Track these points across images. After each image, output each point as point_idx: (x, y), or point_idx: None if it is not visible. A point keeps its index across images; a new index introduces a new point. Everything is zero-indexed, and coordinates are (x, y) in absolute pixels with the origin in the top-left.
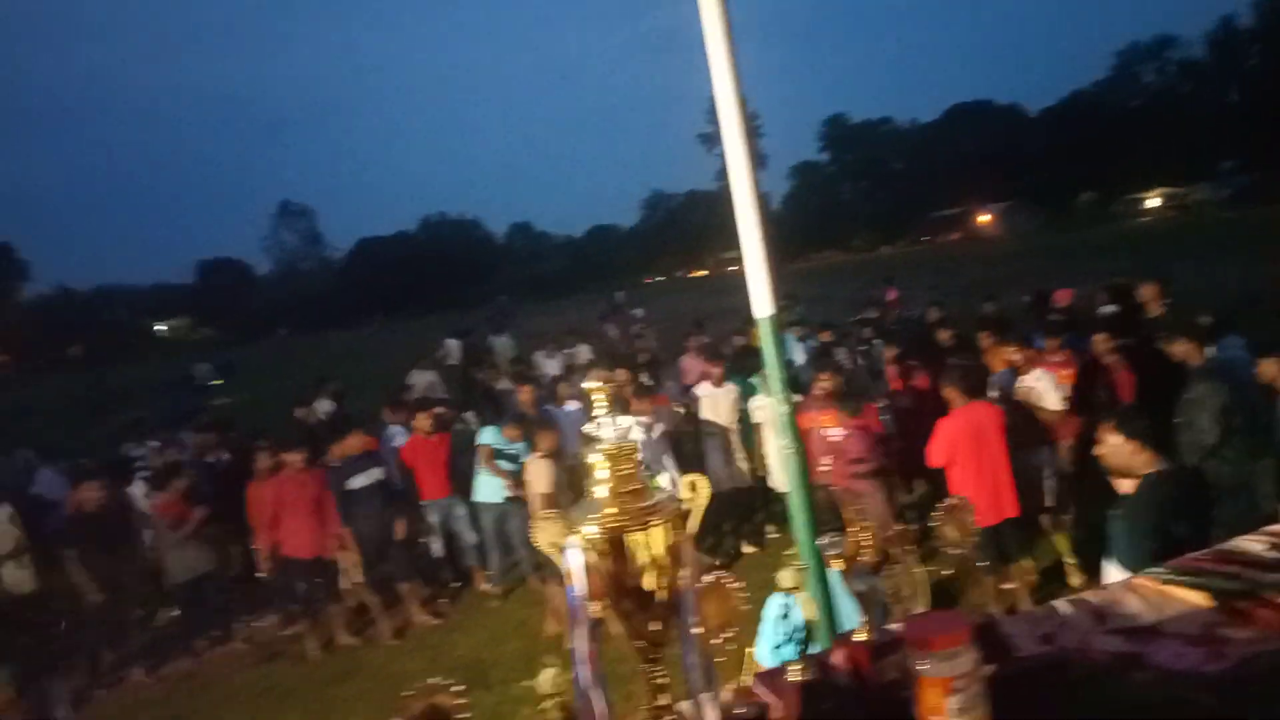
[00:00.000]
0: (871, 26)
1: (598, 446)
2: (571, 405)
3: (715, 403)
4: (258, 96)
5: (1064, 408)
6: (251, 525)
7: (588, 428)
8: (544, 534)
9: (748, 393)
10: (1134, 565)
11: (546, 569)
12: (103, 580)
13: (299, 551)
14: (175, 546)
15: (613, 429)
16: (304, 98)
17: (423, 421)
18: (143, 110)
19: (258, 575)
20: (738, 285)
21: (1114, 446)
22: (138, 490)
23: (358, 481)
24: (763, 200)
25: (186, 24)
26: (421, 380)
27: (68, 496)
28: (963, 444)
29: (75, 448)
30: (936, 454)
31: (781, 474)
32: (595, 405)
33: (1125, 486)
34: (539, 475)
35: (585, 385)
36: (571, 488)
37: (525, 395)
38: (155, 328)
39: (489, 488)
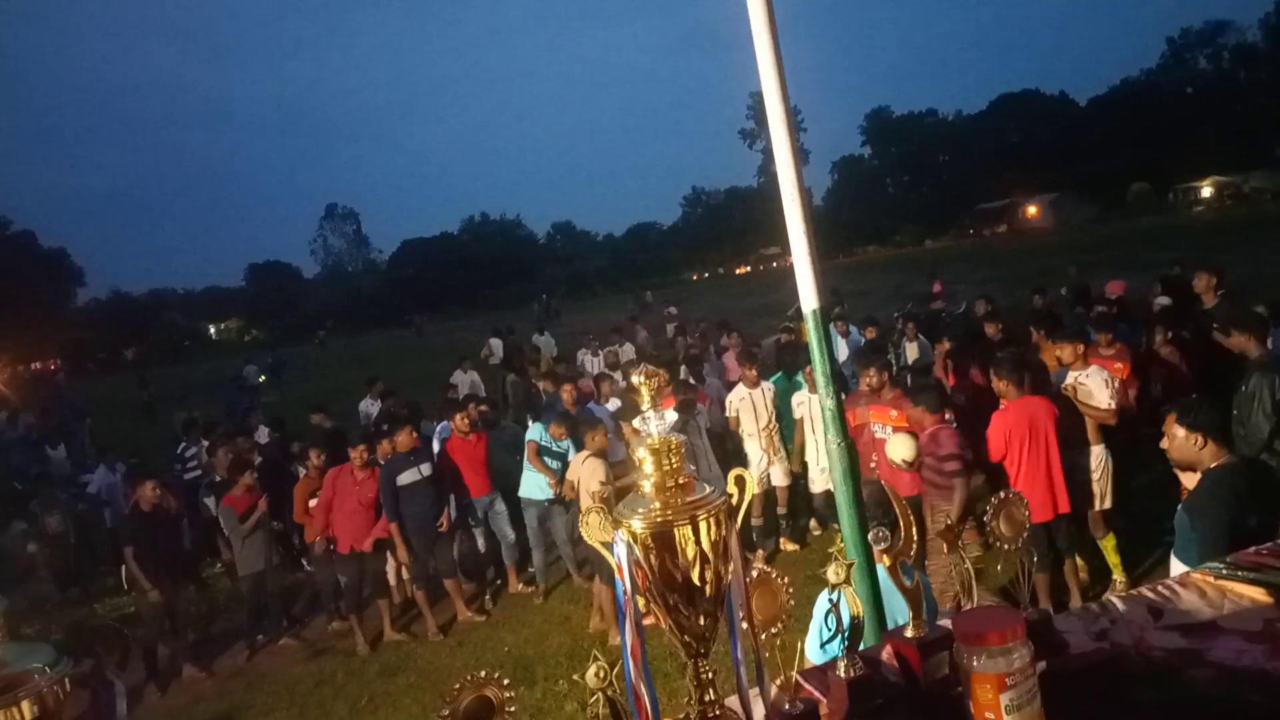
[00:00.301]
0: (914, 17)
1: (644, 441)
2: (614, 403)
3: (752, 404)
4: (305, 102)
5: (1114, 404)
6: (299, 521)
7: (635, 422)
8: (592, 528)
9: (790, 389)
10: (1202, 560)
11: (590, 566)
12: (158, 576)
13: (350, 547)
14: (245, 541)
15: (659, 424)
16: (350, 102)
17: (460, 422)
18: (195, 116)
19: (306, 570)
20: (778, 282)
21: (1179, 440)
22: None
23: (407, 477)
24: (806, 194)
25: (240, 30)
26: (464, 380)
27: (128, 494)
28: (1017, 438)
29: (131, 448)
30: (994, 448)
31: (820, 471)
32: (641, 400)
33: (1190, 481)
34: (589, 473)
35: (633, 379)
36: (615, 485)
37: (566, 394)
38: (209, 329)
39: (533, 485)
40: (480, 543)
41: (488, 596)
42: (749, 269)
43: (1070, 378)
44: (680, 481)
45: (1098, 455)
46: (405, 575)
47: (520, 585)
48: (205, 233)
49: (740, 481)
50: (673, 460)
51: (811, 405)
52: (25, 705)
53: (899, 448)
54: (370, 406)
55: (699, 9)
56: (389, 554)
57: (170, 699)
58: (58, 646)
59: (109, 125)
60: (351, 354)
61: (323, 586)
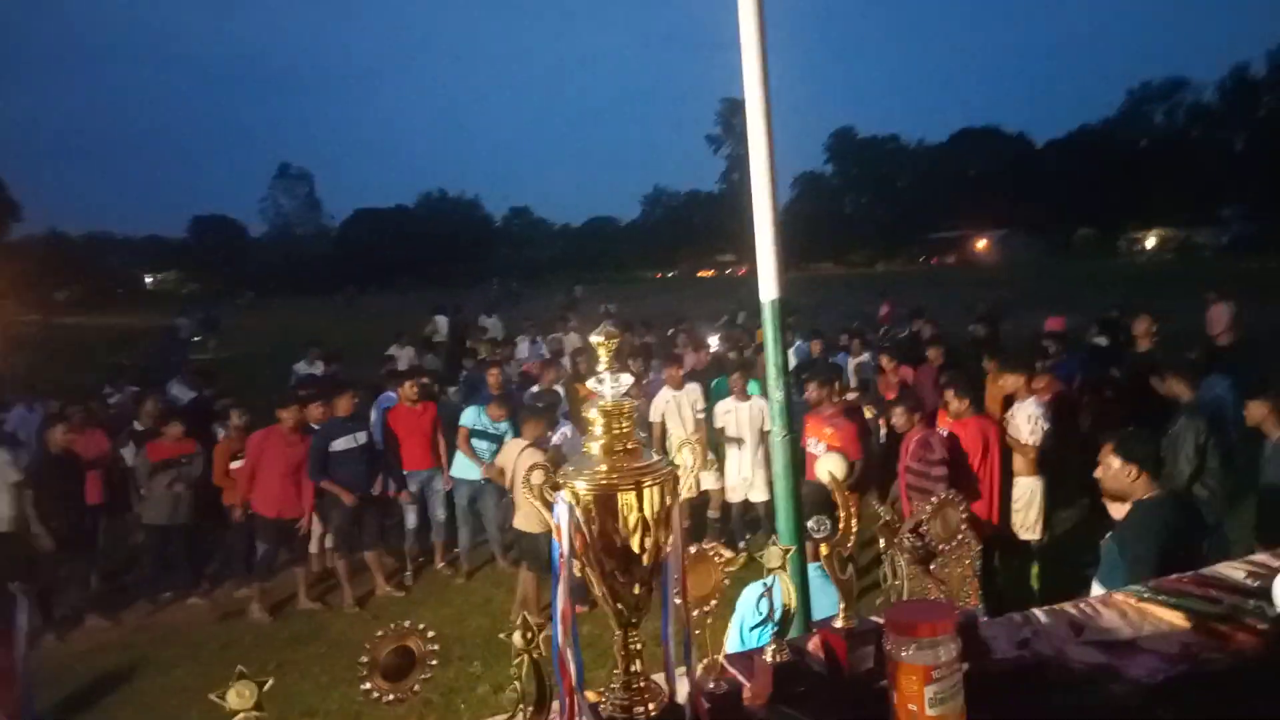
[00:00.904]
0: (886, 43)
1: (596, 402)
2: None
3: (678, 405)
4: (268, 54)
5: (1035, 441)
6: (218, 484)
7: (590, 383)
8: (534, 483)
9: (716, 394)
10: (1133, 578)
11: (517, 551)
12: (61, 523)
13: (269, 510)
14: (153, 492)
15: (614, 386)
16: (314, 60)
17: (409, 390)
18: (150, 57)
19: (220, 530)
20: (730, 288)
21: (1114, 470)
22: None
23: (341, 444)
24: (775, 184)
25: None
26: (403, 354)
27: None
28: (974, 453)
29: (56, 391)
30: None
31: (741, 481)
32: (597, 361)
33: (1118, 511)
34: (525, 461)
35: (592, 339)
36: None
37: (492, 378)
38: (146, 279)
39: (465, 463)
40: (410, 518)
41: (408, 573)
42: (707, 272)
43: (1010, 414)
44: (629, 447)
45: (1025, 485)
46: (327, 544)
47: (442, 564)
48: (151, 179)
49: (688, 452)
50: (623, 424)
51: (737, 413)
52: None
53: (830, 465)
54: (307, 370)
55: (677, 9)
56: (313, 520)
57: (72, 645)
58: None
59: (61, 58)
60: (289, 318)
61: (240, 549)
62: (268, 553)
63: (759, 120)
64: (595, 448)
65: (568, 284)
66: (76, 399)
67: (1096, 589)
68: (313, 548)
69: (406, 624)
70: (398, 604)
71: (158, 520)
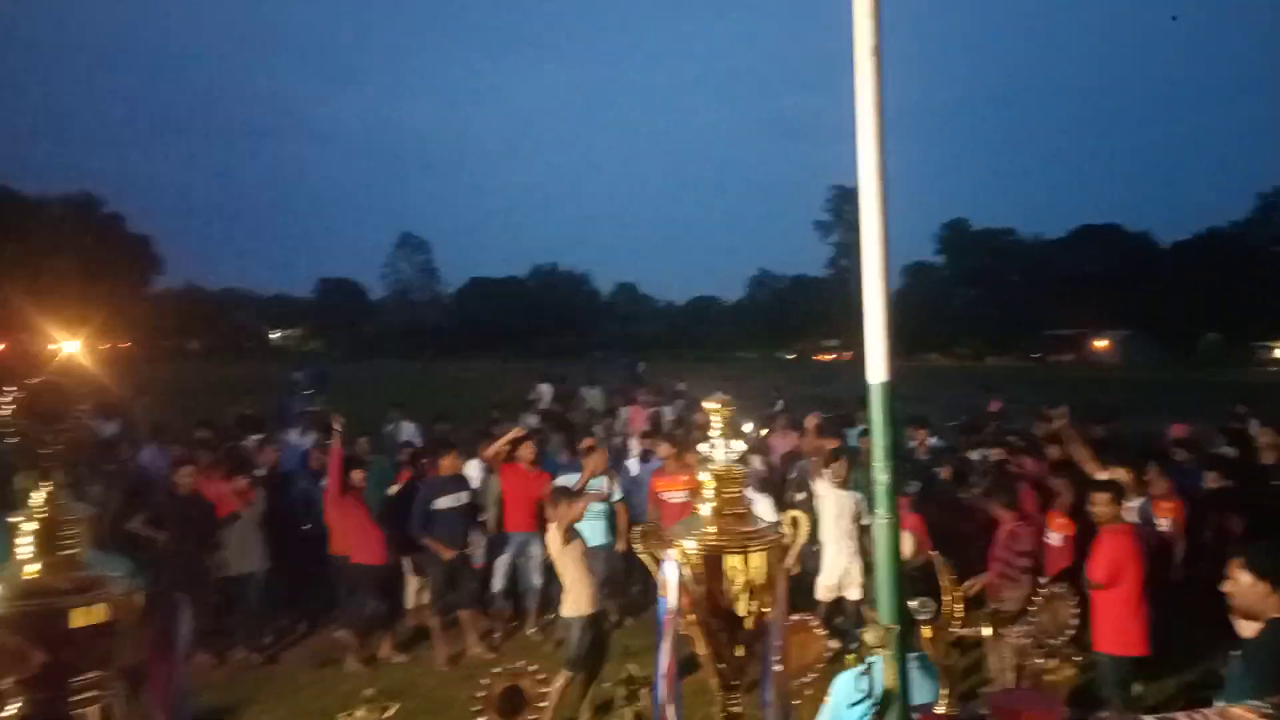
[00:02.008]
0: (1004, 135)
1: (708, 466)
2: (635, 464)
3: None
4: (397, 130)
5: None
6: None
7: (702, 447)
8: (645, 542)
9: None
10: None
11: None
12: (179, 563)
13: (368, 560)
14: (228, 540)
15: (726, 451)
16: (439, 136)
17: (526, 452)
18: (286, 129)
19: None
20: (833, 374)
21: (1244, 585)
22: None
23: (444, 502)
24: (887, 264)
25: (349, 57)
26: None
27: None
28: (1130, 562)
29: (185, 435)
30: (1105, 568)
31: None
32: (710, 428)
33: (1247, 629)
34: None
35: (705, 405)
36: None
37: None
38: (271, 334)
39: (594, 529)
40: (498, 581)
41: (497, 635)
42: (823, 356)
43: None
44: (738, 511)
45: None
46: (423, 600)
47: (534, 630)
48: (282, 241)
49: (795, 522)
50: (733, 488)
51: (837, 501)
52: (101, 607)
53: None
54: (398, 429)
55: (793, 98)
56: (408, 575)
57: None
58: (134, 563)
59: (210, 126)
60: (403, 380)
61: (342, 598)
62: (368, 603)
63: (873, 199)
64: (705, 509)
65: (669, 361)
66: (204, 443)
67: (1217, 705)
68: (409, 602)
69: (520, 664)
70: (488, 665)
71: (243, 569)
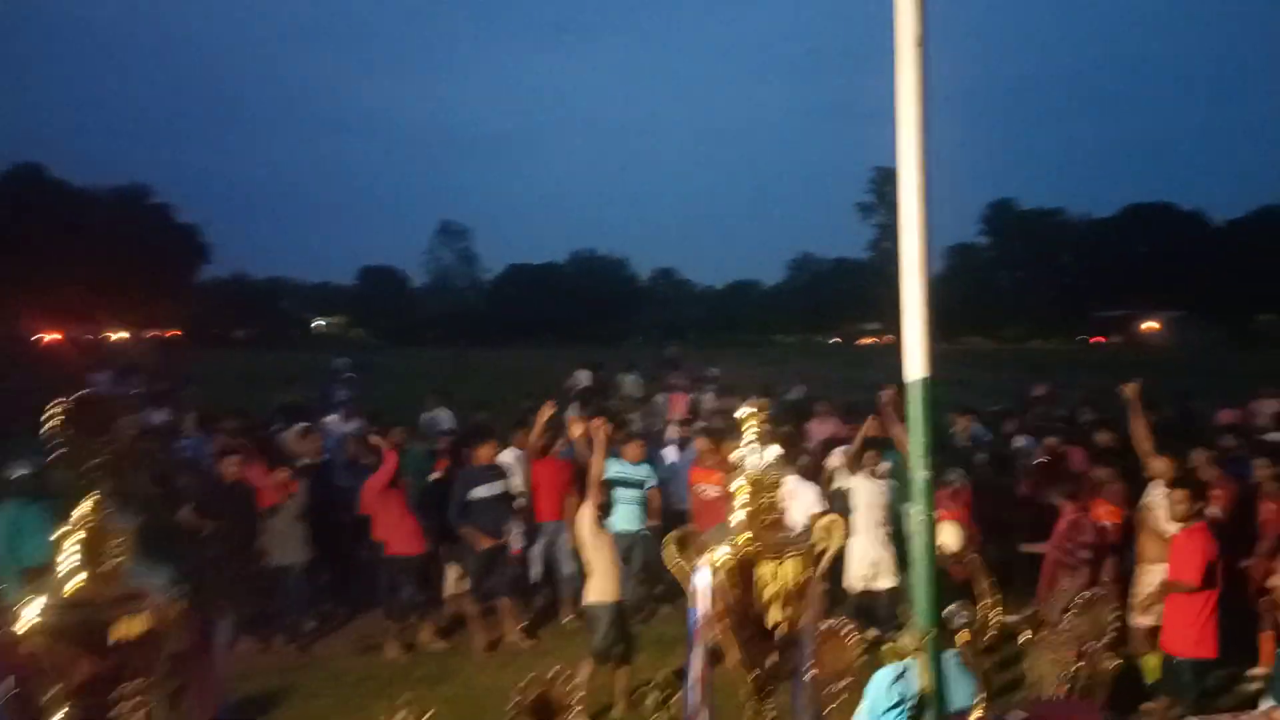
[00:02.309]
0: (1052, 113)
1: (743, 472)
2: (672, 451)
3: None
4: (440, 119)
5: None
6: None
7: (735, 455)
8: (675, 551)
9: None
10: None
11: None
12: (224, 552)
13: (405, 549)
14: (275, 534)
15: (759, 458)
16: (478, 124)
17: (555, 442)
18: (328, 120)
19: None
20: (874, 358)
21: None
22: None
23: (481, 491)
24: (927, 255)
25: (395, 47)
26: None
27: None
28: (1214, 565)
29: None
30: (1198, 568)
31: (874, 561)
32: (743, 434)
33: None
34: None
35: (738, 414)
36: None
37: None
38: (314, 322)
39: (624, 515)
40: (535, 569)
41: (525, 624)
42: (866, 340)
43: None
44: (772, 518)
45: (1158, 571)
46: (463, 587)
47: (571, 618)
48: (325, 230)
49: (829, 529)
50: (768, 495)
51: (868, 490)
52: (144, 616)
53: (943, 536)
54: (436, 417)
55: (833, 79)
56: (446, 564)
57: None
58: (176, 572)
59: (257, 116)
60: (445, 366)
61: (381, 586)
62: (407, 591)
63: (913, 196)
64: (739, 515)
65: (706, 346)
66: (246, 430)
67: (1266, 702)
68: (448, 590)
69: (554, 671)
70: (526, 652)
71: (285, 560)
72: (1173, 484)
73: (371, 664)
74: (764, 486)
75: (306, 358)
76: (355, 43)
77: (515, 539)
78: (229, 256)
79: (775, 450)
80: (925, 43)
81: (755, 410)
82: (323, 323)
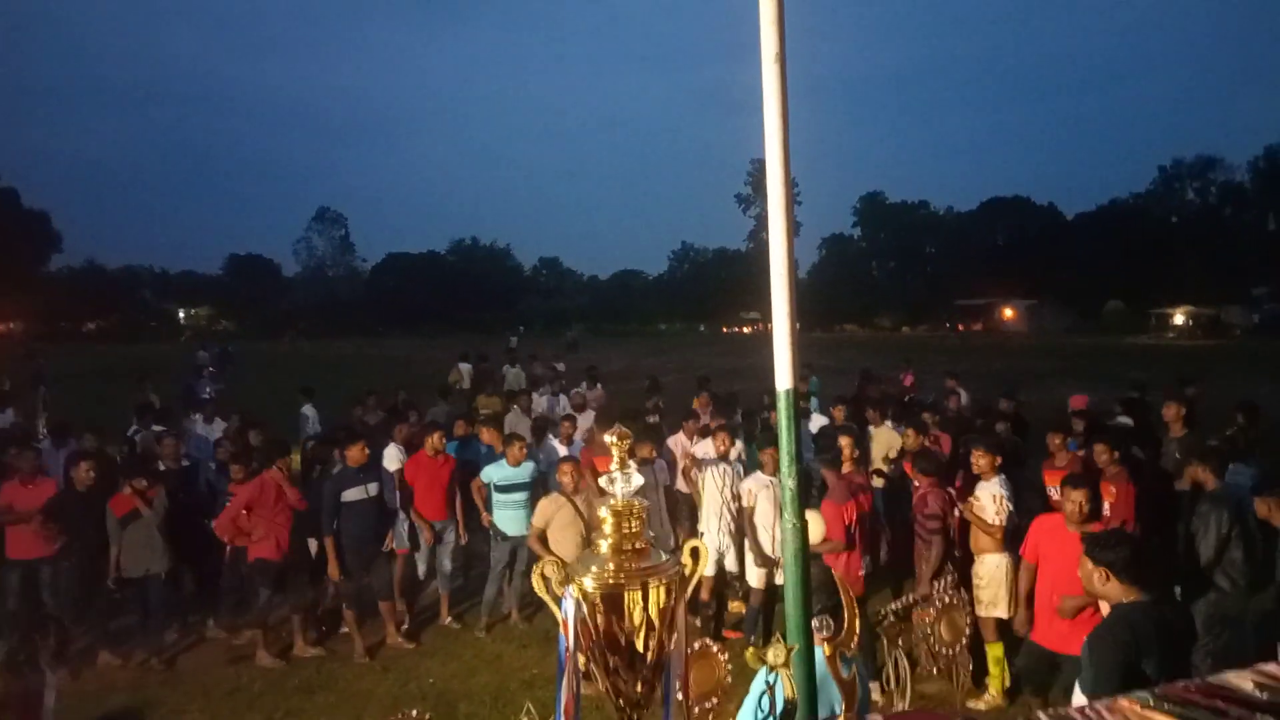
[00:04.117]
0: (917, 111)
1: (607, 502)
2: (561, 445)
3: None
4: (308, 100)
5: (1000, 521)
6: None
7: (603, 482)
8: (544, 580)
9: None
10: (1090, 693)
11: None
12: (83, 558)
13: (266, 554)
14: (127, 543)
15: (624, 486)
16: (354, 108)
17: (437, 441)
18: (191, 98)
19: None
20: (755, 345)
21: (1085, 570)
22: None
23: (353, 494)
24: (795, 273)
25: (256, 21)
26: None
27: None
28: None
29: (83, 424)
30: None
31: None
32: (610, 460)
33: (1105, 611)
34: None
35: (605, 439)
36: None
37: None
38: (179, 313)
39: (510, 519)
40: (421, 568)
41: (405, 625)
42: (731, 329)
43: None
44: (637, 546)
45: (991, 563)
46: (342, 591)
47: (449, 619)
48: (189, 217)
49: (695, 553)
50: (633, 524)
51: (774, 490)
52: None
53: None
54: (309, 413)
55: (714, 71)
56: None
57: (83, 684)
58: None
59: (109, 96)
60: (312, 358)
61: (243, 594)
62: (269, 597)
63: (779, 216)
64: (604, 546)
65: (607, 337)
66: (105, 434)
67: (1076, 690)
68: (327, 594)
69: (414, 712)
70: (407, 656)
71: (140, 571)
72: (1070, 482)
73: (240, 674)
74: (629, 514)
75: (168, 349)
76: (222, 17)
77: (400, 538)
78: (82, 244)
79: (639, 479)
80: (784, 59)
81: (618, 439)
82: (186, 314)
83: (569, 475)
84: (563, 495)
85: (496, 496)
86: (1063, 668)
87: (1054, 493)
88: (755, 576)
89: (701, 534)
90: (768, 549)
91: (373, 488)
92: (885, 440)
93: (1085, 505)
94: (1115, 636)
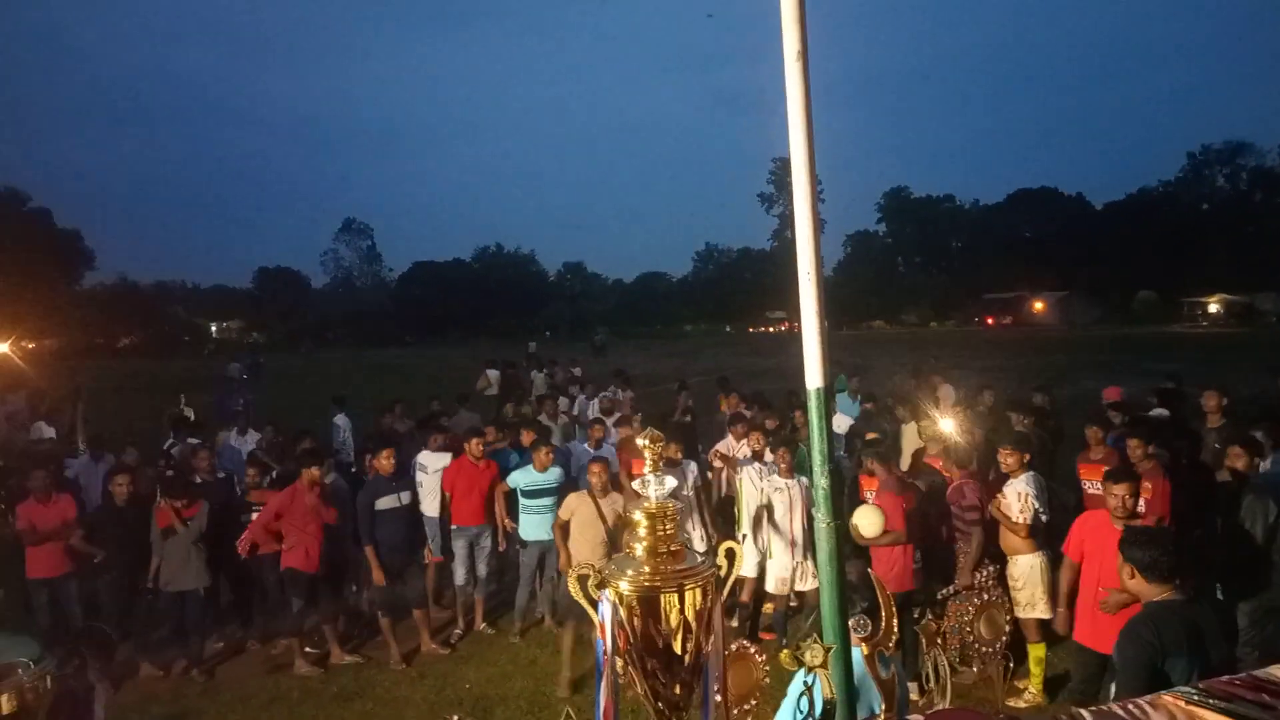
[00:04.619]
0: (941, 105)
1: (641, 504)
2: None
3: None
4: (336, 115)
5: (1024, 519)
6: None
7: (635, 485)
8: (578, 584)
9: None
10: (1121, 691)
11: (560, 610)
12: (118, 574)
13: (297, 564)
14: (166, 557)
15: (658, 488)
16: (379, 120)
17: (476, 447)
18: (221, 116)
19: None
20: (781, 345)
21: (1120, 566)
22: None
23: (385, 503)
24: (822, 273)
25: (283, 38)
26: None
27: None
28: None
29: (119, 439)
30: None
31: (798, 563)
32: (644, 463)
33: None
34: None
35: (637, 441)
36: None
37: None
38: (211, 327)
39: (534, 524)
40: (460, 574)
41: (457, 630)
42: (757, 329)
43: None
44: (672, 549)
45: (1024, 564)
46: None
47: (484, 624)
48: (219, 231)
49: (730, 554)
50: (667, 526)
51: (788, 492)
52: (4, 699)
53: (861, 520)
54: (341, 423)
55: (733, 72)
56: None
57: (124, 696)
58: (42, 642)
59: (139, 115)
60: (346, 367)
61: (280, 604)
62: (303, 608)
63: (805, 215)
64: (639, 549)
65: (634, 338)
66: (141, 449)
67: (1112, 686)
68: (362, 602)
69: (454, 718)
70: (442, 662)
71: (179, 586)
72: (1112, 477)
73: (279, 684)
74: (663, 516)
75: (198, 364)
76: (244, 34)
77: (433, 547)
78: (115, 261)
79: (671, 482)
80: (806, 56)
81: (650, 441)
82: (218, 327)
83: (598, 476)
84: (589, 494)
85: (523, 502)
86: (1109, 669)
87: (1089, 487)
88: (773, 581)
89: (744, 536)
90: (783, 552)
91: (405, 496)
92: (914, 437)
93: (1129, 500)
94: (1139, 636)
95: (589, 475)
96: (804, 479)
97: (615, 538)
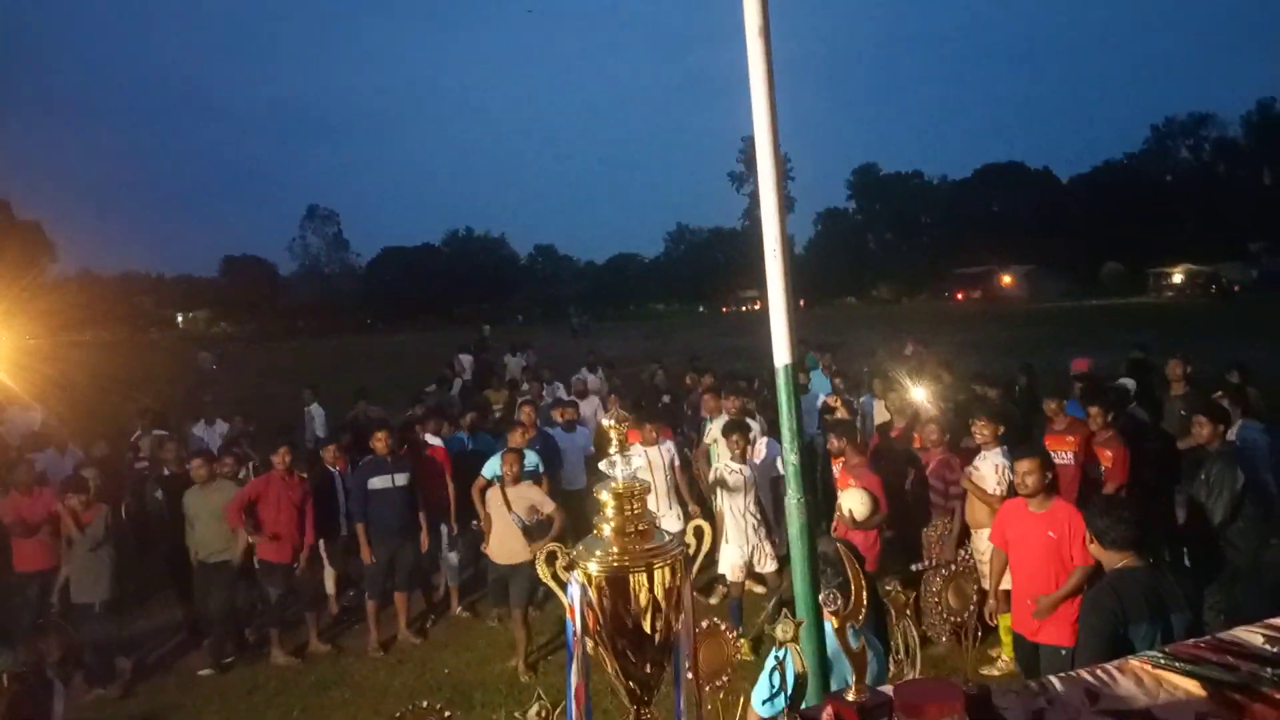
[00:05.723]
0: (908, 81)
1: (608, 485)
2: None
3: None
4: (297, 100)
5: (999, 491)
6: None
7: (602, 465)
8: (546, 567)
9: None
10: (1082, 660)
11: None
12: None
13: (271, 555)
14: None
15: (624, 468)
16: (342, 105)
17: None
18: (181, 103)
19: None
20: (753, 324)
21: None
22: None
23: (378, 483)
24: (789, 249)
25: (240, 25)
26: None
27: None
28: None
29: (85, 432)
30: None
31: (755, 546)
32: (609, 443)
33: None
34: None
35: (603, 422)
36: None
37: (525, 415)
38: (177, 318)
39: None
40: (453, 558)
41: (431, 616)
42: (730, 308)
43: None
44: (640, 528)
45: (987, 535)
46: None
47: (459, 609)
48: (183, 221)
49: (699, 532)
50: (634, 506)
51: (742, 475)
52: None
53: (851, 501)
54: (315, 412)
55: (700, 53)
56: (325, 564)
57: (100, 692)
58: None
59: (99, 106)
60: (315, 355)
61: (253, 594)
62: (280, 597)
63: (771, 194)
64: (607, 529)
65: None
66: (108, 442)
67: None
68: (329, 589)
69: (425, 704)
70: (420, 649)
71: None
72: (1017, 454)
73: (256, 674)
74: (630, 496)
75: (164, 355)
76: (205, 23)
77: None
78: (76, 254)
79: (638, 461)
80: (768, 32)
81: (616, 423)
82: (184, 317)
83: (509, 466)
84: (499, 484)
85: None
86: (1043, 659)
87: (1058, 458)
88: (727, 568)
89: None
90: (737, 535)
91: (400, 478)
92: (881, 412)
93: (1029, 478)
94: (1101, 604)
95: (502, 465)
96: (755, 462)
97: (530, 528)
